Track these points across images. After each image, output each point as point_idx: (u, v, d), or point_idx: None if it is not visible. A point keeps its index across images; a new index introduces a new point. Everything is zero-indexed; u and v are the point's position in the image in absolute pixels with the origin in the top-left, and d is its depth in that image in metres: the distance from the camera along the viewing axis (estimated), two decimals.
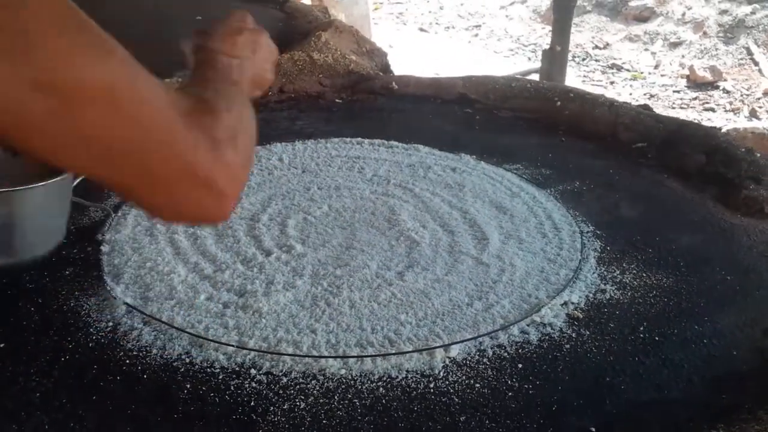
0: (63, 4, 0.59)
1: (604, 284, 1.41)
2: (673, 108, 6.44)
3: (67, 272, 1.38)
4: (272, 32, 2.80)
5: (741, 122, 5.83)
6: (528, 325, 1.28)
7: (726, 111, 6.34)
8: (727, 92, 6.68)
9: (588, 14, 8.70)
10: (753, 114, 6.11)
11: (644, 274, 1.44)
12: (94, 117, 0.60)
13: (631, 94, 6.79)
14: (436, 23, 9.20)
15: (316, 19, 3.19)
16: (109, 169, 0.65)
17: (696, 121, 5.64)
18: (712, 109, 6.39)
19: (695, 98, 6.65)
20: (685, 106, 6.48)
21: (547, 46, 5.41)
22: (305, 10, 3.36)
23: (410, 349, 1.20)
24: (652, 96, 6.72)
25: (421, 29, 8.98)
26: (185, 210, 0.75)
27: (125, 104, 0.62)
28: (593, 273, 1.44)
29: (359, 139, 2.03)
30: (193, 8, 3.32)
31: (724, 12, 7.99)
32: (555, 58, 5.24)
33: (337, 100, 2.37)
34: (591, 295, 1.37)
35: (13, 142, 0.60)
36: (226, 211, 0.77)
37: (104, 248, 1.45)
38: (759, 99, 6.45)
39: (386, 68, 2.96)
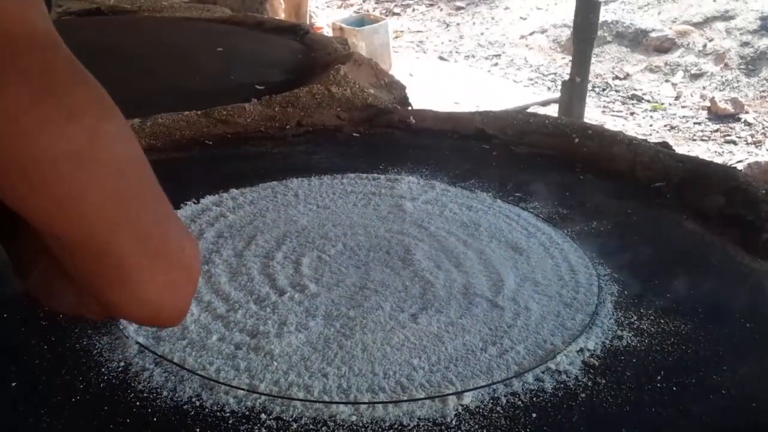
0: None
1: (621, 330, 1.39)
2: (694, 140, 6.42)
3: None
4: (292, 64, 2.83)
5: (763, 155, 5.79)
6: (543, 373, 1.26)
7: (747, 144, 6.30)
8: (749, 125, 6.65)
9: (608, 44, 8.71)
10: None
11: (662, 321, 1.42)
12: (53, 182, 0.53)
13: (651, 125, 6.77)
14: (456, 52, 9.25)
15: (335, 51, 3.21)
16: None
17: (716, 159, 5.62)
18: (734, 142, 6.36)
19: (716, 130, 6.62)
20: (706, 138, 6.45)
21: (567, 77, 5.42)
22: (325, 42, 3.39)
23: (422, 396, 1.18)
24: (672, 127, 6.70)
25: (441, 58, 9.03)
26: (148, 298, 0.57)
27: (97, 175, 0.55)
28: (610, 318, 1.42)
29: (375, 174, 2.02)
30: (216, 40, 3.36)
31: (745, 44, 7.98)
32: (575, 89, 5.25)
33: (354, 134, 2.37)
34: (607, 341, 1.35)
35: None
36: (186, 307, 0.60)
37: None
38: None
39: (405, 101, 2.97)
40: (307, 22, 7.60)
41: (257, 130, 2.34)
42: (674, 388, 1.23)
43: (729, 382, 1.25)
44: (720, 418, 1.18)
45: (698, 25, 8.37)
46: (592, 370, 1.27)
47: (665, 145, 2.39)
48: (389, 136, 2.39)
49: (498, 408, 1.18)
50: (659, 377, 1.26)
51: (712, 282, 1.57)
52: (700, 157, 2.33)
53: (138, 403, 1.16)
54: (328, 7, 10.91)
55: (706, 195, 1.92)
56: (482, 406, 1.18)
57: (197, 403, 1.16)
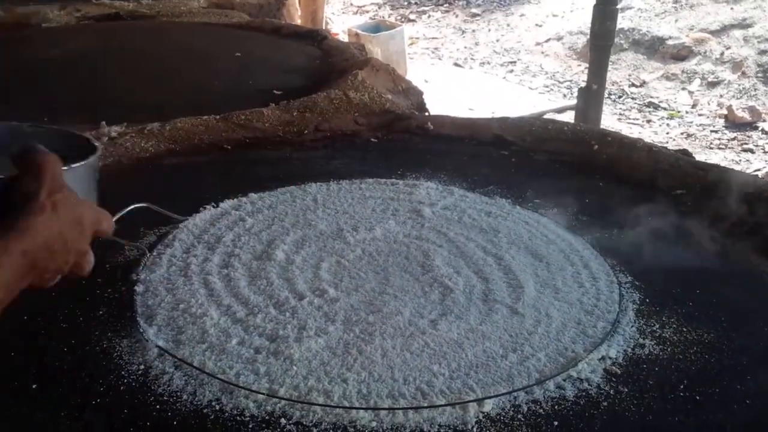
0: None
1: (643, 338, 1.37)
2: (711, 148, 6.38)
3: (100, 312, 1.38)
4: (310, 70, 2.83)
5: None
6: (564, 380, 1.25)
7: (765, 152, 6.25)
8: (766, 133, 6.59)
9: (625, 52, 8.67)
10: None
11: (684, 329, 1.40)
12: None
13: (668, 133, 6.73)
14: (471, 58, 9.23)
15: (352, 57, 3.21)
16: None
17: (733, 167, 5.58)
18: (751, 150, 6.30)
19: (733, 138, 6.57)
20: (723, 147, 6.41)
21: (583, 84, 5.39)
22: (342, 48, 3.39)
23: (443, 403, 1.18)
24: (689, 135, 6.66)
25: (456, 64, 9.02)
26: None
27: None
28: (632, 326, 1.41)
29: (393, 180, 2.02)
30: (234, 45, 3.37)
31: (763, 52, 7.92)
32: (591, 96, 5.22)
33: (372, 140, 2.37)
34: (629, 349, 1.34)
35: None
36: None
37: (138, 288, 1.46)
38: None
39: (422, 107, 2.97)
40: (323, 28, 7.62)
41: (275, 135, 2.34)
42: (697, 398, 1.22)
43: (753, 392, 1.24)
44: (744, 428, 1.17)
45: (715, 33, 8.32)
46: (614, 379, 1.26)
47: (685, 152, 2.37)
48: (407, 142, 2.38)
49: (519, 416, 1.17)
50: (682, 386, 1.25)
51: (734, 290, 1.56)
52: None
53: (158, 407, 1.15)
54: (343, 13, 10.92)
55: (727, 203, 1.90)
56: (503, 414, 1.17)
57: (217, 407, 1.16)
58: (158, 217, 1.68)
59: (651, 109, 7.42)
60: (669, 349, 1.34)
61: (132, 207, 1.59)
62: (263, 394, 1.18)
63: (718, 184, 1.98)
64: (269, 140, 2.31)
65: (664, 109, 7.38)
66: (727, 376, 1.28)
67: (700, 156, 6.01)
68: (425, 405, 1.17)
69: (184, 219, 1.73)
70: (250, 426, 1.12)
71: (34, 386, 1.19)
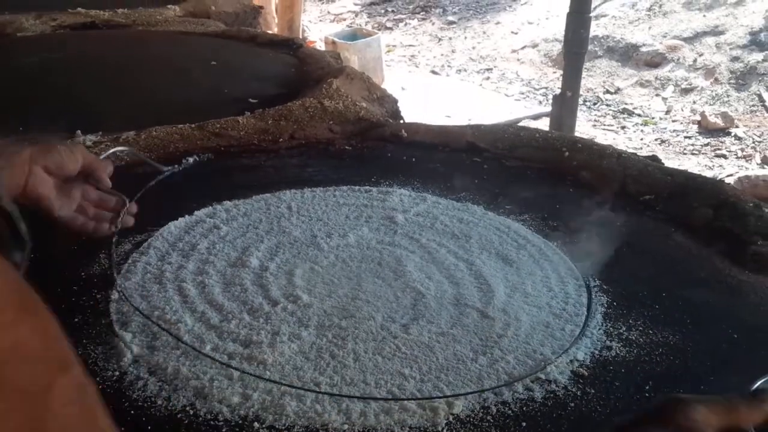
0: None
1: (610, 341, 1.40)
2: (685, 154, 6.47)
3: (75, 320, 1.39)
4: (285, 78, 2.83)
5: (753, 169, 5.84)
6: (532, 382, 1.28)
7: (738, 158, 6.35)
8: (739, 139, 6.70)
9: (599, 59, 8.77)
10: (765, 161, 6.12)
11: (650, 331, 1.44)
12: None
13: (642, 139, 6.82)
14: (448, 66, 9.30)
15: (328, 65, 3.23)
16: None
17: (706, 173, 5.66)
18: (724, 156, 6.41)
19: (707, 144, 6.68)
20: (697, 152, 6.50)
21: (558, 91, 5.45)
22: (318, 56, 3.41)
23: (413, 401, 1.20)
24: (663, 141, 6.75)
25: (433, 72, 9.08)
26: None
27: None
28: (599, 329, 1.44)
29: (367, 187, 2.04)
30: (210, 54, 3.38)
31: (735, 59, 8.05)
32: (566, 103, 5.28)
33: (346, 147, 2.39)
34: (597, 351, 1.37)
35: None
36: None
37: (113, 295, 1.47)
38: None
39: (396, 114, 2.99)
40: (301, 36, 7.64)
41: (251, 143, 2.36)
42: None
43: (716, 392, 1.26)
44: None
45: (688, 40, 8.45)
46: (581, 380, 1.29)
47: (654, 158, 2.41)
48: (381, 149, 2.41)
49: (488, 417, 1.19)
50: (647, 387, 1.28)
51: (700, 294, 1.59)
52: (690, 170, 2.36)
53: (132, 412, 1.17)
54: (320, 21, 10.96)
55: (694, 208, 1.94)
56: (473, 416, 1.20)
57: (191, 412, 1.17)
58: (135, 225, 1.69)
59: (625, 116, 7.52)
60: (635, 351, 1.37)
61: (115, 149, 1.65)
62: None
63: (684, 189, 2.02)
64: (244, 148, 2.32)
65: (638, 115, 7.49)
66: (692, 377, 1.31)
67: (674, 162, 6.09)
68: (405, 398, 1.19)
69: (168, 169, 1.88)
70: (224, 430, 1.14)
71: None
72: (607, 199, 2.03)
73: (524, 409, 1.22)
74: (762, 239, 1.78)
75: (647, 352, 1.38)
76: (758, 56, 7.72)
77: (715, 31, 8.50)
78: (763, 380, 1.05)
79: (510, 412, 1.21)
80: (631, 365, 1.34)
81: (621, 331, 1.44)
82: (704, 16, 8.83)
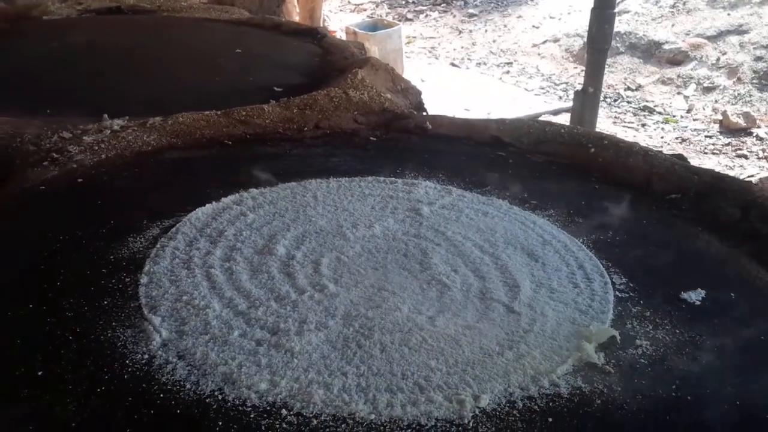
0: None
1: (637, 339, 1.40)
2: (705, 153, 6.42)
3: (105, 302, 1.41)
4: (310, 67, 2.84)
5: None
6: (559, 378, 1.28)
7: (759, 158, 6.30)
8: (761, 139, 6.64)
9: (621, 55, 8.71)
10: None
11: (677, 330, 1.43)
12: None
13: (662, 137, 6.78)
14: (468, 59, 9.26)
15: (352, 56, 3.23)
16: None
17: (727, 173, 5.62)
18: (745, 156, 6.35)
19: (728, 144, 6.62)
20: (718, 152, 6.46)
21: (579, 86, 5.42)
22: (342, 46, 3.41)
23: (441, 397, 1.20)
24: (684, 140, 6.71)
25: (453, 64, 9.04)
26: None
27: None
28: (625, 326, 1.44)
29: (392, 178, 2.04)
30: (235, 42, 3.39)
31: (759, 59, 7.97)
32: (587, 99, 5.24)
33: (371, 138, 2.39)
34: (623, 349, 1.37)
35: None
36: None
37: (142, 279, 1.48)
38: None
39: (420, 106, 2.99)
40: (322, 26, 7.64)
41: (276, 132, 2.36)
42: (689, 398, 1.25)
43: (743, 393, 1.27)
44: (733, 428, 1.20)
45: (712, 39, 8.37)
46: (608, 378, 1.29)
47: (681, 157, 2.40)
48: (405, 141, 2.40)
49: (515, 412, 1.20)
50: (674, 386, 1.27)
51: (727, 294, 1.59)
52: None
53: (162, 395, 1.18)
54: (341, 11, 10.94)
55: (721, 208, 1.93)
56: (499, 410, 1.20)
57: (219, 397, 1.18)
58: (162, 209, 1.70)
59: (646, 113, 7.46)
60: (662, 350, 1.37)
61: None
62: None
63: (712, 189, 2.01)
64: (269, 136, 2.33)
65: (659, 113, 7.43)
66: (719, 377, 1.31)
67: (694, 161, 6.04)
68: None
69: None
70: (252, 416, 1.15)
71: (39, 373, 1.21)
72: (633, 197, 2.02)
73: (550, 404, 1.22)
74: None
75: (674, 350, 1.37)
76: None
77: (739, 30, 8.42)
78: None
79: (536, 407, 1.21)
80: (658, 364, 1.33)
81: (648, 329, 1.43)
82: (728, 14, 8.74)
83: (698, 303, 1.53)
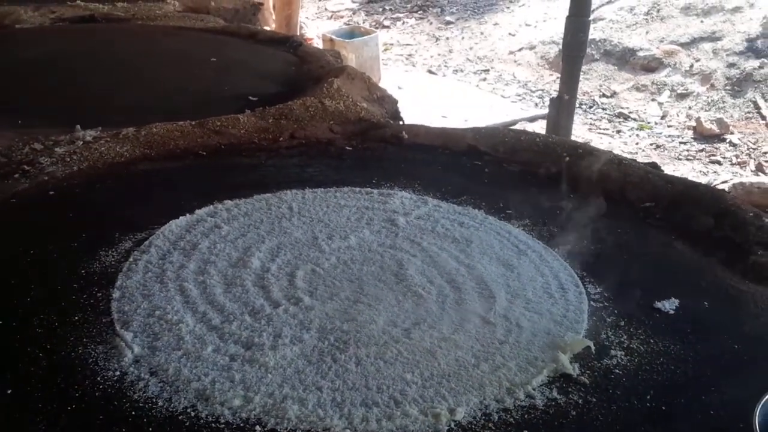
0: None
1: (612, 349, 1.40)
2: (680, 159, 6.47)
3: (76, 318, 1.39)
4: (285, 76, 2.82)
5: (747, 176, 5.85)
6: (534, 390, 1.27)
7: (732, 164, 6.36)
8: (734, 145, 6.71)
9: (596, 62, 8.77)
10: (759, 168, 6.13)
11: (651, 340, 1.44)
12: None
13: (637, 143, 6.83)
14: (445, 66, 9.29)
15: (328, 64, 3.22)
16: None
17: (701, 178, 5.66)
18: (719, 162, 6.41)
19: (701, 150, 6.68)
20: (692, 158, 6.51)
21: (555, 93, 5.45)
22: (318, 55, 3.40)
23: (416, 411, 1.20)
24: (658, 146, 6.76)
25: (430, 71, 9.06)
26: None
27: None
28: (600, 337, 1.44)
29: (368, 189, 2.04)
30: (210, 50, 3.37)
31: (731, 65, 8.06)
32: (563, 106, 5.27)
33: (347, 148, 2.39)
34: (598, 360, 1.37)
35: None
36: None
37: (115, 294, 1.46)
38: (766, 153, 6.48)
39: (396, 115, 2.99)
40: (298, 33, 7.62)
41: (251, 142, 2.35)
42: (663, 408, 1.25)
43: (717, 403, 1.27)
44: None
45: (685, 46, 8.45)
46: (582, 389, 1.29)
47: (654, 165, 2.42)
48: (381, 151, 2.40)
49: (490, 424, 1.19)
50: (649, 396, 1.28)
51: (701, 303, 1.60)
52: (686, 177, 2.36)
53: (134, 413, 1.16)
54: (318, 18, 10.93)
55: (694, 216, 1.94)
56: (474, 422, 1.20)
57: (192, 414, 1.17)
58: (135, 221, 1.69)
59: (621, 120, 7.51)
60: (636, 360, 1.38)
61: None
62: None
63: (685, 197, 2.03)
64: (244, 147, 2.31)
65: (634, 119, 7.48)
66: (693, 386, 1.32)
67: (669, 167, 6.09)
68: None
69: None
70: None
71: (9, 391, 1.19)
72: (607, 206, 2.03)
73: (526, 416, 1.22)
74: (762, 249, 1.78)
75: (648, 361, 1.38)
76: (755, 63, 7.73)
77: (712, 37, 8.50)
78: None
79: (511, 419, 1.21)
80: (632, 374, 1.34)
81: (622, 339, 1.44)
82: (702, 21, 8.84)
83: (672, 312, 1.54)
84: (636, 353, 1.39)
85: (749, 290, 1.66)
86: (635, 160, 2.41)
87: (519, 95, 8.31)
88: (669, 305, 1.55)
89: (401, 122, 2.89)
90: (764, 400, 1.08)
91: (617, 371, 1.34)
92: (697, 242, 1.86)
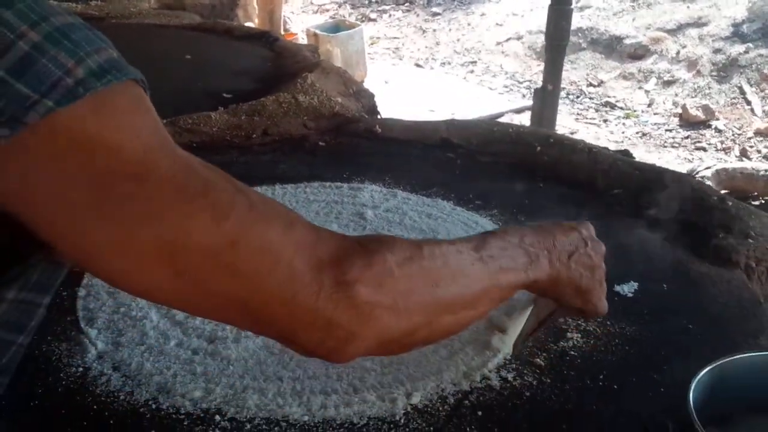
0: (187, 171, 0.66)
1: (569, 332, 1.43)
2: (665, 147, 6.51)
3: None
4: (261, 72, 2.81)
5: (731, 162, 5.88)
6: (490, 372, 1.30)
7: (717, 150, 6.40)
8: (719, 131, 6.74)
9: (583, 51, 8.79)
10: (743, 154, 6.17)
11: (608, 322, 1.46)
12: (211, 276, 0.65)
13: (623, 132, 6.86)
14: (432, 59, 9.30)
15: (304, 59, 3.24)
16: (228, 314, 0.71)
17: (686, 165, 5.69)
18: (704, 149, 6.45)
19: (687, 137, 6.72)
20: (677, 145, 6.55)
21: (540, 84, 5.47)
22: (294, 50, 3.42)
23: (374, 397, 1.23)
24: (644, 134, 6.79)
25: (417, 65, 9.08)
26: (310, 348, 0.76)
27: (243, 263, 0.66)
28: (558, 320, 1.47)
29: (338, 183, 2.06)
30: (184, 47, 3.39)
31: (717, 51, 8.08)
32: (547, 96, 5.29)
33: (320, 143, 2.41)
34: (554, 342, 1.40)
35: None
36: (353, 352, 0.76)
37: (80, 292, 1.49)
38: (750, 139, 6.51)
39: (373, 109, 3.01)
40: (282, 28, 7.63)
41: (223, 139, 2.37)
42: (615, 386, 1.29)
43: (668, 381, 1.30)
44: (658, 415, 1.23)
45: (671, 32, 8.48)
46: (537, 370, 1.32)
47: (626, 153, 2.45)
48: (355, 145, 2.42)
49: (446, 407, 1.22)
50: (601, 376, 1.31)
51: (660, 286, 1.63)
52: (670, 163, 2.39)
53: (95, 407, 1.19)
54: (303, 12, 10.93)
55: (660, 202, 1.97)
56: (430, 406, 1.23)
57: (153, 406, 1.20)
58: None
59: (608, 109, 7.54)
60: (592, 342, 1.41)
61: None
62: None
63: (652, 183, 2.05)
64: (217, 144, 2.34)
65: (621, 108, 7.51)
66: (645, 366, 1.35)
67: (654, 155, 6.13)
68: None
69: None
70: (186, 423, 1.17)
71: None
72: (577, 194, 2.06)
73: (480, 398, 1.25)
74: (724, 232, 1.81)
75: (603, 342, 1.41)
76: (740, 48, 7.76)
77: (699, 23, 8.52)
78: (702, 372, 1.09)
79: (467, 401, 1.24)
80: (587, 355, 1.37)
81: (579, 321, 1.47)
82: (688, 7, 8.85)
83: (630, 295, 1.57)
84: (592, 335, 1.43)
85: (709, 272, 1.69)
86: (606, 148, 2.44)
87: (506, 86, 8.34)
88: (628, 288, 1.58)
89: (378, 116, 2.92)
90: (700, 374, 1.11)
91: (572, 353, 1.37)
92: (661, 227, 1.88)
